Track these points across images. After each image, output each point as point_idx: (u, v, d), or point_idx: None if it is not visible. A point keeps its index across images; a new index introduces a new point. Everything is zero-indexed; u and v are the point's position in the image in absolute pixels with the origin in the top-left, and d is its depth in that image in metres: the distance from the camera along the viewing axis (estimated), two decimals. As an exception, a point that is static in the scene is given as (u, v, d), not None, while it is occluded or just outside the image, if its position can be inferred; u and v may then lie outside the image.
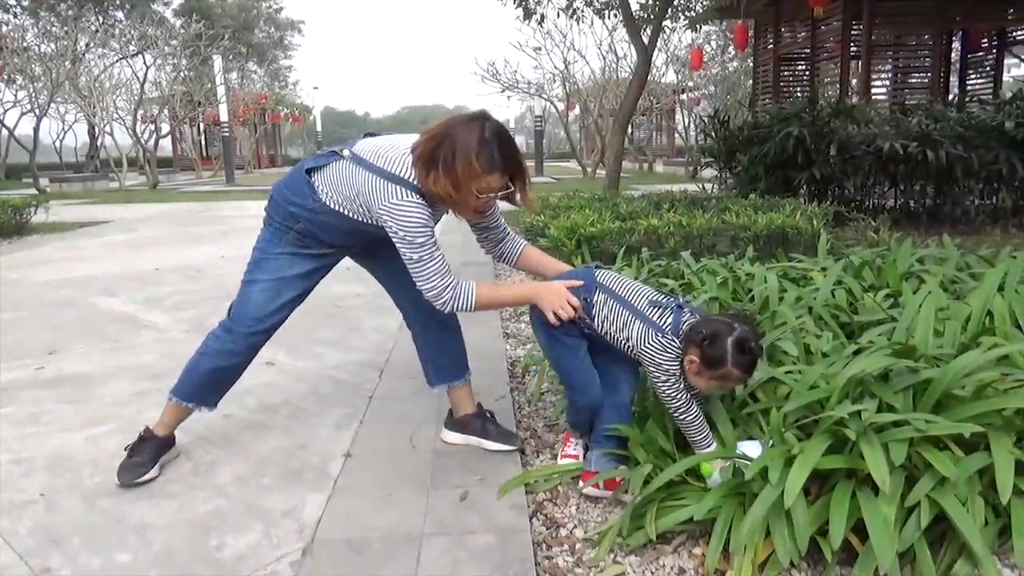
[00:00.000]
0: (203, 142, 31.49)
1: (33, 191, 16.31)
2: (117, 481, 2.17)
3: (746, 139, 8.13)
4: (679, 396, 1.99)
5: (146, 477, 2.19)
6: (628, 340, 2.06)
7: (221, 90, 19.43)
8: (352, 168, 2.08)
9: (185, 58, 21.83)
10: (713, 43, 24.20)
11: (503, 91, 21.75)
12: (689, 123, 22.79)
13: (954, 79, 12.37)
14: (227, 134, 19.94)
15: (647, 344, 2.01)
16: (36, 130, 18.65)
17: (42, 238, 8.79)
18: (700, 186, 8.59)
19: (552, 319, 2.09)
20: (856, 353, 2.35)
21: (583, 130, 30.11)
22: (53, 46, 21.28)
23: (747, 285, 3.51)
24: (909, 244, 3.77)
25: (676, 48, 22.15)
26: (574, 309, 2.08)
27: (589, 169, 21.24)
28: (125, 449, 2.27)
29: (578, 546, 1.89)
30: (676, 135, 25.87)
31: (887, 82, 12.35)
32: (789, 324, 2.55)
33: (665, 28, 13.18)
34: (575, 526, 1.98)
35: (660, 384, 2.00)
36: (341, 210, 2.11)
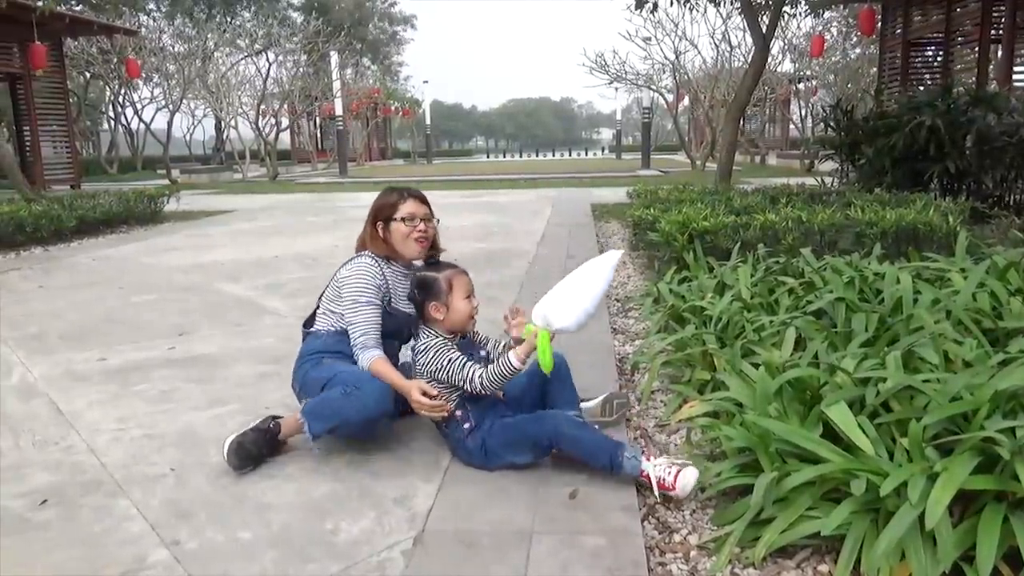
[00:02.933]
0: (319, 135, 32.78)
1: (166, 181, 17.48)
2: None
3: (871, 130, 7.66)
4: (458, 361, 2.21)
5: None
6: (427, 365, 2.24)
7: (337, 85, 20.14)
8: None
9: (304, 54, 22.77)
10: (834, 30, 23.01)
11: (611, 83, 21.50)
12: (806, 113, 21.82)
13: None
14: (341, 128, 20.64)
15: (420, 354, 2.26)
16: (170, 124, 19.97)
17: (173, 226, 9.37)
18: (819, 180, 8.18)
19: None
20: (1003, 364, 2.15)
21: (692, 122, 29.40)
22: (186, 46, 22.69)
23: (875, 286, 3.29)
24: (1062, 244, 3.44)
25: (794, 36, 21.23)
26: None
27: (698, 162, 20.70)
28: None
29: (693, 554, 1.81)
30: (791, 126, 24.82)
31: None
32: (927, 328, 2.36)
33: (784, 14, 12.61)
34: (689, 532, 1.91)
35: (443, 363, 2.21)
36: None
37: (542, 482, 2.11)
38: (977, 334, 2.48)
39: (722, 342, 2.93)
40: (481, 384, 2.16)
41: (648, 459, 2.02)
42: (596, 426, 2.32)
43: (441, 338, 2.26)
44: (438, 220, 2.59)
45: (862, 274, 3.37)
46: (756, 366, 2.63)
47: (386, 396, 2.22)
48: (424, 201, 2.56)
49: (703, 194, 6.65)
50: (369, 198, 2.70)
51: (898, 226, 4.39)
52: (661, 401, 2.80)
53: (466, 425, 2.22)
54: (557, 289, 2.19)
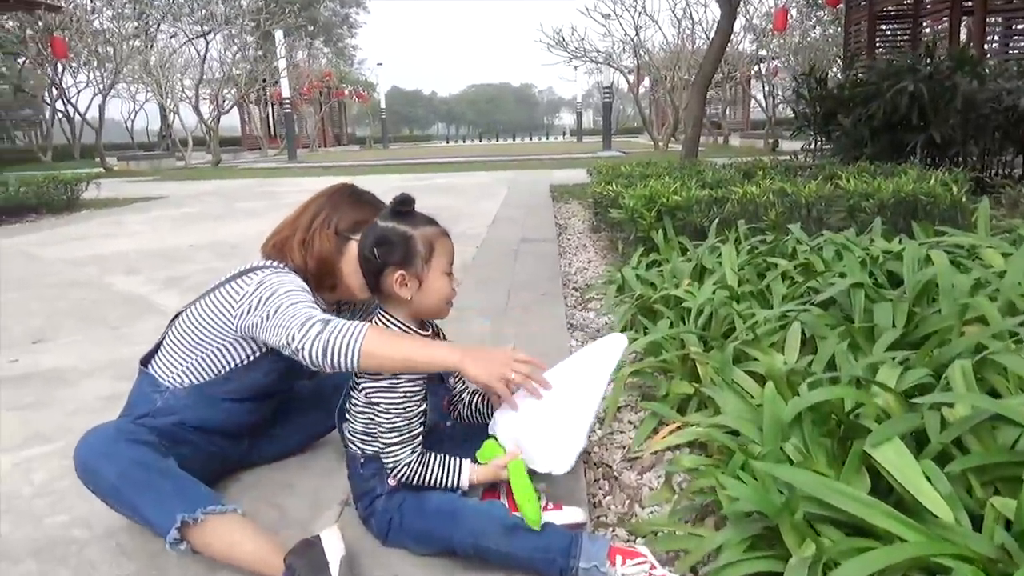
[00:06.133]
0: (270, 121, 31.55)
1: (100, 170, 16.38)
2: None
3: (847, 99, 7.12)
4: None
5: None
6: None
7: (282, 64, 19.11)
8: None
9: (248, 34, 21.63)
10: (793, 10, 22.64)
11: (570, 61, 20.78)
12: (768, 93, 21.42)
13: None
14: (288, 111, 19.65)
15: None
16: (102, 108, 18.73)
17: (91, 213, 8.49)
18: (792, 156, 7.62)
19: (501, 388, 1.45)
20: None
21: (653, 104, 28.92)
22: (123, 27, 21.35)
23: (885, 267, 2.68)
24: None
25: (754, 13, 20.76)
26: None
27: (660, 143, 20.17)
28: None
29: None
30: (755, 105, 24.45)
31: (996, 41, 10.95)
32: (994, 324, 1.74)
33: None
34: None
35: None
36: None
37: (458, 568, 1.44)
38: (1041, 328, 1.87)
39: (706, 343, 2.29)
40: (405, 475, 1.47)
41: (615, 560, 1.35)
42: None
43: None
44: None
45: (870, 253, 2.76)
46: (753, 375, 2.00)
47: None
48: None
49: (670, 169, 6.02)
50: (313, 184, 1.88)
51: (896, 197, 3.80)
52: (629, 423, 2.15)
53: (391, 481, 1.49)
54: (540, 409, 1.49)
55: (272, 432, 1.84)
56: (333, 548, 1.33)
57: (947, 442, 1.36)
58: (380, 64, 34.40)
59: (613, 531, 1.57)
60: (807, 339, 2.15)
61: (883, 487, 1.38)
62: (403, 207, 1.47)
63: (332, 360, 1.38)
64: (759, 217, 3.92)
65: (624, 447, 2.00)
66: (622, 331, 2.73)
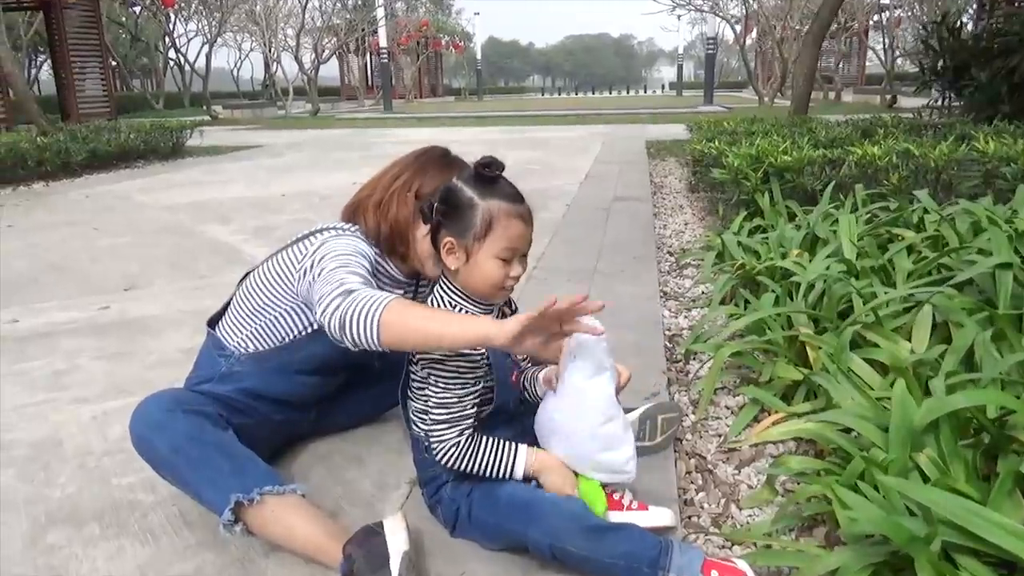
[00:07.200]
0: (368, 71, 31.86)
1: (206, 117, 16.96)
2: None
3: (983, 51, 6.44)
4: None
5: None
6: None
7: (380, 12, 19.11)
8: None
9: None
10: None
11: (672, 9, 19.86)
12: (888, 45, 19.92)
13: None
14: (385, 60, 19.70)
15: None
16: (208, 57, 19.31)
17: (194, 160, 8.76)
18: (915, 114, 7.00)
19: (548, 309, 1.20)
20: None
21: (759, 56, 27.49)
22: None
23: (1032, 242, 2.35)
24: None
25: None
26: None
27: (766, 98, 19.15)
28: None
29: None
30: (871, 58, 22.85)
31: None
32: None
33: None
34: None
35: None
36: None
37: (534, 567, 1.31)
38: None
39: (818, 323, 2.05)
40: (452, 458, 1.32)
41: (709, 575, 1.18)
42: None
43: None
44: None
45: (1014, 227, 2.42)
46: (873, 364, 1.77)
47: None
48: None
49: (778, 126, 5.61)
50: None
51: (1043, 162, 3.36)
52: (727, 408, 1.95)
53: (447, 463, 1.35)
54: (568, 441, 1.36)
55: (341, 402, 1.75)
56: (396, 540, 1.22)
57: None
58: (477, 14, 33.98)
59: (706, 536, 1.41)
60: (937, 325, 1.88)
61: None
62: (486, 171, 1.29)
63: (350, 333, 1.22)
64: (878, 181, 3.56)
65: (720, 435, 1.81)
66: (721, 303, 2.51)
